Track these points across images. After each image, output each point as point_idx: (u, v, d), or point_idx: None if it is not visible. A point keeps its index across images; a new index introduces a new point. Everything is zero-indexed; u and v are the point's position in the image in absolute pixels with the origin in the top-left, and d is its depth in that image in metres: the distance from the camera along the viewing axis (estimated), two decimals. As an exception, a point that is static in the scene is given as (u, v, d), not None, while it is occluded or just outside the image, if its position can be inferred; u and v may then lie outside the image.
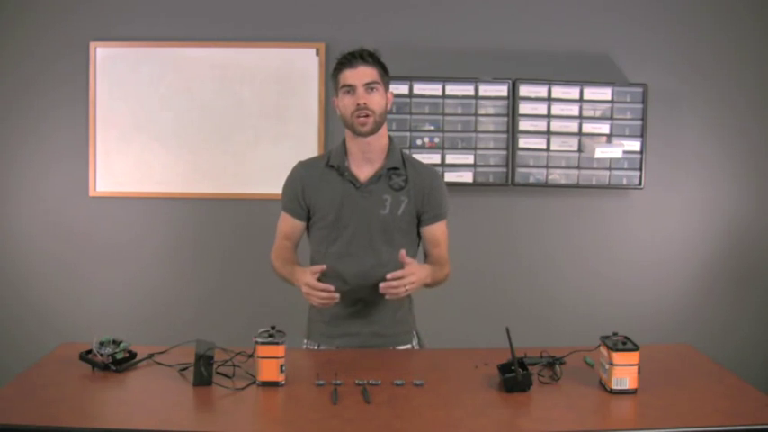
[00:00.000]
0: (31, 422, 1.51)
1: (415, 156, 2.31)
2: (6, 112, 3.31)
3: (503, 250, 3.39)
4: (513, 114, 3.26)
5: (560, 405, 1.65)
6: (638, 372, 1.72)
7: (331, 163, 2.15)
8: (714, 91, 3.34)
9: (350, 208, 2.12)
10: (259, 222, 3.07)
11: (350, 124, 2.08)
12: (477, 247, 3.35)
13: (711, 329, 3.38)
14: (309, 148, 3.26)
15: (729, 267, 3.42)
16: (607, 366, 1.73)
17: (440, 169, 3.20)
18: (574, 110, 3.26)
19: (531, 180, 3.28)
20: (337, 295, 1.97)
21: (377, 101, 2.06)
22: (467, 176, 3.27)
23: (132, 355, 1.90)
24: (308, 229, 2.23)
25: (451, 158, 3.26)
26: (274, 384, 1.74)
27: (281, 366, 1.74)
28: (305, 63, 3.28)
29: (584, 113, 3.26)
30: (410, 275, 1.94)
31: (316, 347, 2.21)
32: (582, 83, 3.26)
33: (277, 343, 1.74)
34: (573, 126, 3.27)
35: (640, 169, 3.28)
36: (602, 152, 3.18)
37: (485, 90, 3.25)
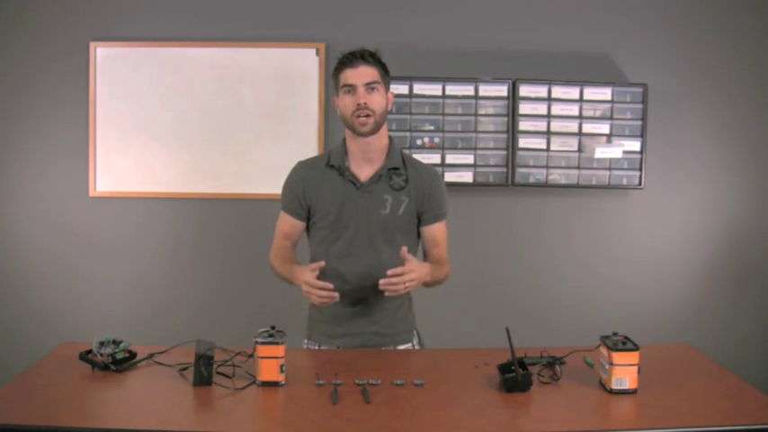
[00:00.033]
0: (31, 422, 1.51)
1: (415, 156, 2.31)
2: (6, 112, 3.31)
3: (503, 250, 3.39)
4: (513, 114, 3.26)
5: (560, 405, 1.65)
6: (638, 372, 1.72)
7: (331, 163, 2.15)
8: (714, 91, 3.34)
9: (351, 208, 2.12)
10: (259, 222, 3.07)
11: (350, 124, 2.08)
12: (477, 247, 3.36)
13: (711, 329, 3.38)
14: (309, 148, 3.26)
15: (729, 267, 3.42)
16: (607, 366, 1.73)
17: (440, 169, 3.20)
18: (574, 110, 3.26)
19: (531, 180, 3.28)
20: (336, 294, 1.97)
21: (377, 101, 2.06)
22: (467, 176, 3.27)
23: (132, 355, 1.90)
24: (307, 229, 2.23)
25: (451, 158, 3.26)
26: (274, 384, 1.74)
27: (281, 366, 1.74)
28: (305, 63, 3.28)
29: (584, 113, 3.26)
30: (410, 273, 1.94)
31: (316, 347, 2.21)
32: (582, 83, 3.26)
33: (277, 343, 1.74)
34: (573, 126, 3.27)
35: (640, 169, 3.28)
36: (602, 152, 3.18)
37: (485, 90, 3.25)
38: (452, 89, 3.24)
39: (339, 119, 2.14)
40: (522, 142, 3.26)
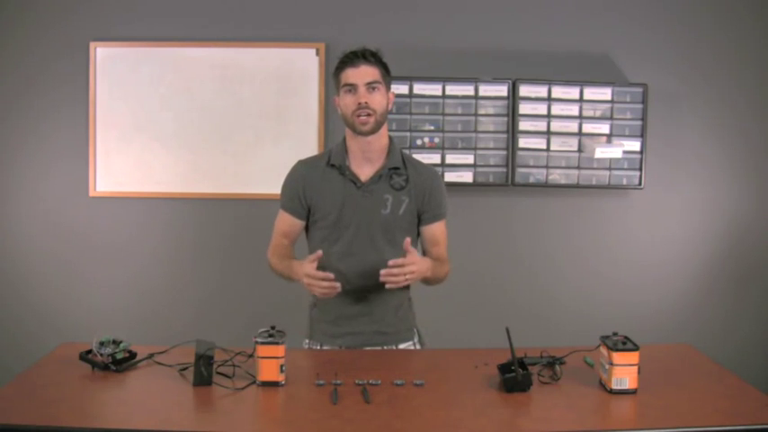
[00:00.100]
0: (31, 422, 1.51)
1: (415, 156, 2.31)
2: (6, 112, 3.31)
3: (503, 250, 3.39)
4: (513, 114, 3.26)
5: (560, 405, 1.65)
6: (638, 372, 1.71)
7: (332, 162, 2.15)
8: (714, 91, 3.34)
9: (351, 207, 2.12)
10: (259, 222, 3.05)
11: (351, 123, 2.08)
12: (477, 247, 3.36)
13: (711, 329, 3.38)
14: (309, 148, 3.26)
15: (729, 267, 3.42)
16: (607, 366, 1.73)
17: (440, 169, 3.20)
18: (574, 110, 3.26)
19: (531, 180, 3.28)
20: (338, 284, 1.96)
21: (378, 100, 2.07)
22: (467, 176, 3.27)
23: (132, 355, 1.89)
24: (306, 228, 2.23)
25: (451, 158, 3.26)
26: (274, 384, 1.74)
27: (281, 366, 1.74)
28: (305, 63, 3.28)
29: (584, 113, 3.26)
30: (411, 265, 1.94)
31: (318, 347, 2.21)
32: (582, 83, 3.26)
33: (277, 343, 1.74)
34: (573, 126, 3.27)
35: (640, 169, 3.28)
36: (602, 152, 3.18)
37: (485, 90, 3.25)
38: (452, 89, 3.24)
39: (339, 118, 2.14)
40: (522, 142, 3.26)
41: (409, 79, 3.22)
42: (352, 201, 2.12)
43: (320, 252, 1.99)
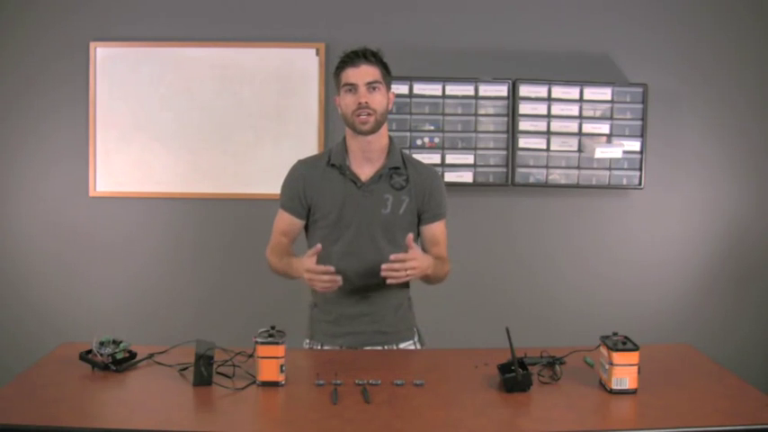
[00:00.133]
0: (31, 422, 1.51)
1: (415, 156, 2.31)
2: (6, 112, 3.31)
3: (503, 250, 3.39)
4: (513, 114, 3.26)
5: (560, 405, 1.65)
6: (638, 372, 1.71)
7: (332, 162, 2.15)
8: (714, 91, 3.35)
9: (352, 207, 2.12)
10: (259, 222, 3.04)
11: (351, 123, 2.08)
12: (477, 247, 3.36)
13: (711, 329, 3.38)
14: (309, 148, 3.26)
15: (729, 267, 3.42)
16: (607, 366, 1.73)
17: (440, 169, 3.21)
18: (574, 110, 3.26)
19: (531, 180, 3.28)
20: (339, 278, 1.95)
21: (378, 100, 2.07)
22: (467, 176, 3.27)
23: (132, 355, 1.89)
24: (305, 228, 2.23)
25: (451, 158, 3.26)
26: (274, 384, 1.74)
27: (281, 366, 1.74)
28: (305, 63, 3.28)
29: (584, 113, 3.26)
30: (412, 260, 1.94)
31: (319, 347, 2.21)
32: (582, 83, 3.26)
33: (277, 343, 1.74)
34: (573, 126, 3.27)
35: (640, 169, 3.28)
36: (602, 152, 3.18)
37: (485, 90, 3.25)
38: (452, 89, 3.24)
39: (340, 118, 2.14)
40: (522, 142, 3.26)
41: (409, 79, 3.22)
42: (353, 200, 2.12)
43: (319, 246, 1.98)
